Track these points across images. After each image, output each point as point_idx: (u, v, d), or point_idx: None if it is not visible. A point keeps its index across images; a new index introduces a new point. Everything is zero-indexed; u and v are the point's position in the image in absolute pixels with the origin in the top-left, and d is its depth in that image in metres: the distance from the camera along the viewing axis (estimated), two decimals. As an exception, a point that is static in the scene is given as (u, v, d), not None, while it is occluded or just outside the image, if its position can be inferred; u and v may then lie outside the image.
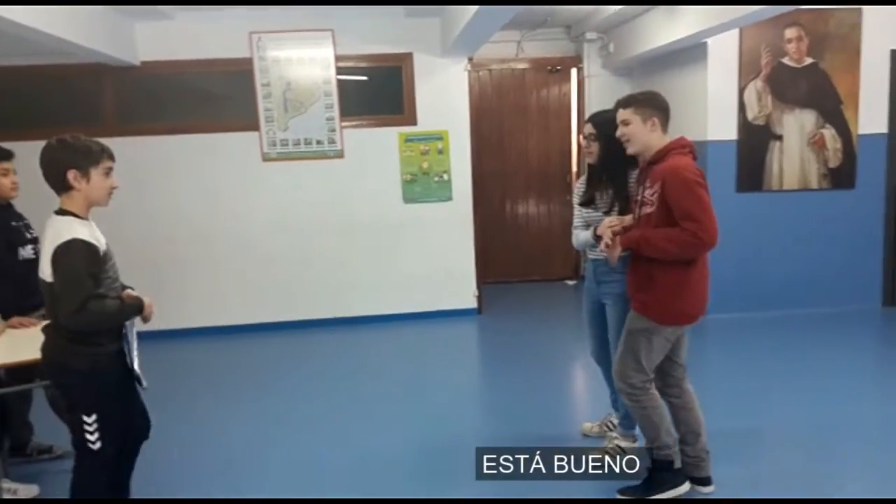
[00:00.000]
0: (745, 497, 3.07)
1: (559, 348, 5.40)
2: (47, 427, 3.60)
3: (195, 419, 4.21)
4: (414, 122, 5.96)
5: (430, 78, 5.94)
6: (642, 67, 6.55)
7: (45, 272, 2.41)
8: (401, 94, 5.95)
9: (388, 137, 5.92)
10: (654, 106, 2.88)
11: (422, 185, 6.00)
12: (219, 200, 5.82)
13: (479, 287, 6.22)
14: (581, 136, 3.34)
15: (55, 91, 5.63)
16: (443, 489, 3.23)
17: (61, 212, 2.50)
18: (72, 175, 2.46)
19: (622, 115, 2.89)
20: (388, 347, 5.54)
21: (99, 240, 2.51)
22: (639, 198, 2.92)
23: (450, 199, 6.06)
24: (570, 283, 7.27)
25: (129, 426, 2.67)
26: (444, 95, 5.97)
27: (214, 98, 5.89)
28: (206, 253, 5.87)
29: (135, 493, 2.92)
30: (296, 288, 6.01)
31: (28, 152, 3.03)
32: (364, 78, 5.97)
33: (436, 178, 6.01)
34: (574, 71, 6.99)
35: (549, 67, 7.00)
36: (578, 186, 3.43)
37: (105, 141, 5.48)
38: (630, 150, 2.92)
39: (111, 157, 2.57)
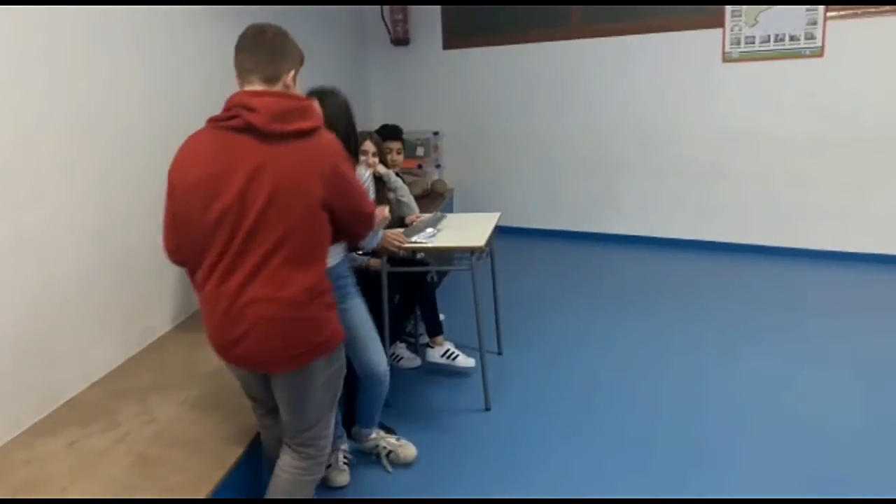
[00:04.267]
0: None
1: None
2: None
3: (590, 329, 4.21)
4: (936, 7, 4.50)
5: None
6: None
7: None
8: (921, -31, 4.53)
9: (889, 29, 4.62)
10: None
11: (932, 91, 4.56)
12: (670, 104, 5.43)
13: None
14: None
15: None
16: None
17: None
18: None
19: None
20: (853, 295, 4.53)
21: None
22: None
23: (976, 111, 4.49)
24: None
25: None
26: None
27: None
28: (649, 159, 5.61)
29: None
30: (748, 209, 5.33)
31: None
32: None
33: (956, 83, 4.49)
34: None
35: None
36: None
37: (570, 43, 5.67)
38: None
39: None
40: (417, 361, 3.73)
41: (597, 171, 5.80)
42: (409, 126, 6.22)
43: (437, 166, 6.30)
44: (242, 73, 1.96)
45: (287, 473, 2.12)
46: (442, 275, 4.11)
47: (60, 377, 2.65)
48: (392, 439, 2.91)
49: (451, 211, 6.27)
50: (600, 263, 5.42)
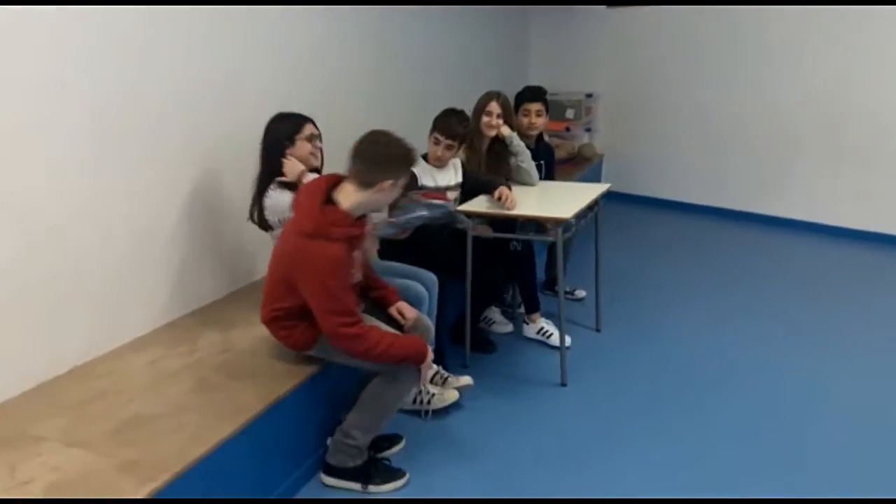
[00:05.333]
0: None
1: None
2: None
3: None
4: None
5: None
6: None
7: None
8: None
9: None
10: None
11: None
12: (860, 81, 4.79)
13: None
14: None
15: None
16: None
17: None
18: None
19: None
20: None
21: None
22: None
23: None
24: None
25: None
26: None
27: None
28: (832, 141, 5.02)
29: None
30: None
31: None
32: None
33: None
34: None
35: None
36: None
37: (749, 8, 5.14)
38: None
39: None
40: (509, 327, 3.70)
41: (768, 150, 5.34)
42: (562, 87, 6.06)
43: (588, 130, 6.07)
44: (348, 169, 2.30)
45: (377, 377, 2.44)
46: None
47: (163, 302, 2.95)
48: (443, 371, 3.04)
49: (598, 178, 6.06)
50: (752, 248, 4.99)
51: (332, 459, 2.49)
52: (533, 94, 3.77)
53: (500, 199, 3.15)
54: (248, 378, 2.53)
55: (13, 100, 2.26)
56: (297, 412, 2.52)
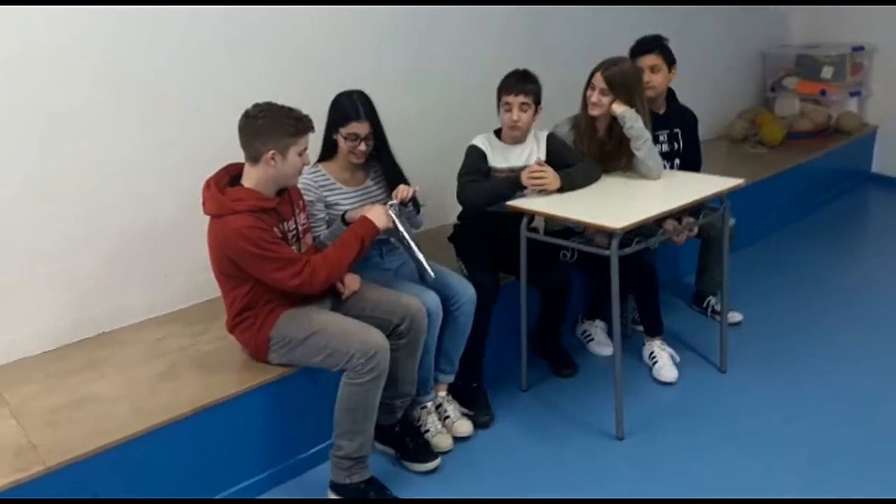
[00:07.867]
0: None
1: None
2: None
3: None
4: None
5: None
6: None
7: None
8: None
9: None
10: None
11: None
12: None
13: None
14: None
15: None
16: None
17: None
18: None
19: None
20: None
21: None
22: None
23: None
24: None
25: None
26: None
27: None
28: None
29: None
30: None
31: None
32: None
33: None
34: None
35: None
36: None
37: None
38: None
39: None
40: (609, 350, 2.98)
41: None
42: (822, 37, 4.69)
43: (855, 94, 4.60)
44: None
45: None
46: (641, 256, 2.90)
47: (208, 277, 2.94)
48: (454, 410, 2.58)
49: (865, 158, 4.67)
50: None
51: (332, 475, 2.31)
52: (643, 45, 2.91)
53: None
54: (212, 372, 2.40)
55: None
56: (245, 418, 2.32)
